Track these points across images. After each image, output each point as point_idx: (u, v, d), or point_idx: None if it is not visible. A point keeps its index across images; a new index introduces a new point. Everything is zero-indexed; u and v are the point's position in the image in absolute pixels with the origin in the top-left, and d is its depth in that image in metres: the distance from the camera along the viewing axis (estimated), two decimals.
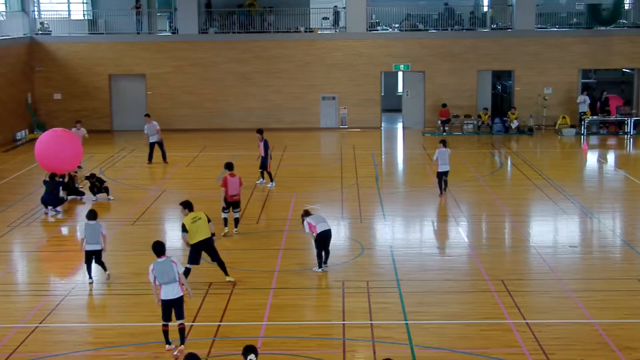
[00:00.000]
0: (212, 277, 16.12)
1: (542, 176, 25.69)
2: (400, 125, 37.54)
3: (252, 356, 9.69)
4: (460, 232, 19.64)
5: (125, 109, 36.66)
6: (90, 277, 16.12)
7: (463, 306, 14.68)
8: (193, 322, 13.85)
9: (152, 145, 28.43)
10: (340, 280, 16.01)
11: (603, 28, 37.09)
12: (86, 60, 36.37)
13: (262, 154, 24.43)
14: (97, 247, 16.12)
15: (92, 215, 16.33)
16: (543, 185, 24.39)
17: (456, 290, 15.54)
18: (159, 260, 12.64)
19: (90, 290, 15.87)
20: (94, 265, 16.22)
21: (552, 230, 20.08)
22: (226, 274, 15.79)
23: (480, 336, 13.28)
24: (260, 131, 24.86)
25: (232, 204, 19.13)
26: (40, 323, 13.97)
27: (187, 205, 15.78)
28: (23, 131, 34.56)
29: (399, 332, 13.43)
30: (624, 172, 26.95)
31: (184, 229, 15.50)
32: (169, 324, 12.66)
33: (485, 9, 40.28)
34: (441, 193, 23.18)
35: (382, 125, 37.00)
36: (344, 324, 13.82)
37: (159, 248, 12.80)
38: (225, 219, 19.38)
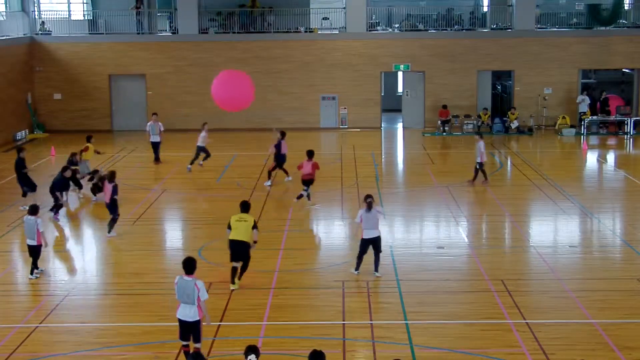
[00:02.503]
0: (212, 277, 16.12)
1: (542, 176, 25.69)
2: (400, 125, 37.55)
3: (252, 356, 9.68)
4: (460, 232, 19.64)
5: (125, 109, 36.66)
6: (37, 268, 16.47)
7: (463, 306, 14.68)
8: None
9: (153, 144, 28.55)
10: (340, 280, 16.01)
11: (603, 28, 37.09)
12: (86, 60, 36.38)
13: (284, 151, 24.99)
14: (31, 243, 16.29)
15: (30, 210, 16.48)
16: (543, 185, 24.39)
17: (456, 290, 15.54)
18: (185, 277, 11.94)
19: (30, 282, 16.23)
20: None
21: (552, 230, 20.08)
22: (236, 278, 15.52)
23: (480, 336, 13.28)
24: (282, 133, 25.38)
25: (305, 182, 21.94)
26: (40, 323, 13.97)
27: (241, 205, 15.70)
28: (23, 131, 34.57)
29: (399, 332, 13.43)
30: (624, 172, 26.95)
31: (228, 226, 15.42)
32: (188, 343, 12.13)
33: (485, 9, 40.28)
34: (472, 180, 24.56)
35: (382, 125, 37.00)
36: (344, 324, 13.82)
37: (188, 265, 12.01)
38: (301, 195, 22.00)
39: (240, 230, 15.30)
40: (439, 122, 35.46)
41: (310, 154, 22.26)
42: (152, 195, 23.79)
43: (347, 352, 12.65)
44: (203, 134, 27.17)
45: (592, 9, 37.24)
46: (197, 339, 12.00)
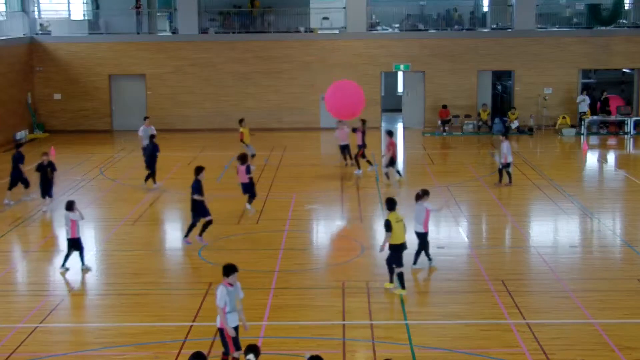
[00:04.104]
0: (212, 277, 16.11)
1: (542, 176, 25.69)
2: (400, 125, 37.54)
3: (250, 356, 9.65)
4: (460, 232, 19.63)
5: (125, 109, 36.66)
6: (69, 263, 16.69)
7: (463, 306, 14.68)
8: (193, 322, 13.86)
9: (145, 150, 27.04)
10: (340, 280, 16.00)
11: (603, 28, 37.09)
12: (86, 60, 36.38)
13: (360, 142, 26.13)
14: (67, 236, 16.53)
15: (67, 205, 16.60)
16: (543, 185, 24.38)
17: (456, 290, 15.53)
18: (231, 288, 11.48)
19: (64, 276, 16.37)
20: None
21: (552, 230, 20.07)
22: (402, 286, 15.29)
23: (480, 336, 13.27)
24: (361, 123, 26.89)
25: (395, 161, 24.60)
26: (40, 323, 13.97)
27: (392, 203, 15.32)
28: (23, 131, 34.56)
29: (399, 332, 13.42)
30: (624, 172, 26.95)
31: (389, 228, 15.00)
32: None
33: (486, 9, 40.29)
34: (499, 182, 24.41)
35: (382, 125, 36.99)
36: (344, 324, 13.82)
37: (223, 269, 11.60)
38: (387, 174, 24.57)
39: (402, 231, 15.19)
40: (439, 122, 35.46)
41: (391, 133, 24.95)
42: (152, 195, 23.79)
43: (347, 352, 12.65)
44: (337, 133, 27.05)
45: (592, 9, 37.24)
46: (223, 347, 11.41)
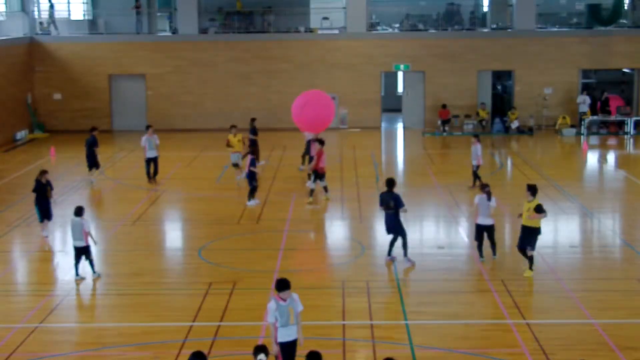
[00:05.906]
0: (212, 277, 16.12)
1: (542, 176, 25.68)
2: (400, 125, 37.55)
3: (261, 355, 9.58)
4: (460, 232, 19.62)
5: (125, 109, 36.67)
6: (77, 274, 16.17)
7: (463, 306, 14.67)
8: (193, 322, 13.85)
9: (148, 161, 25.21)
10: (340, 280, 16.00)
11: (603, 28, 37.09)
12: (86, 60, 36.38)
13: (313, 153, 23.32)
14: (80, 244, 16.11)
15: (76, 211, 16.30)
16: (543, 185, 24.35)
17: (456, 290, 15.53)
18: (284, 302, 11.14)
19: (78, 287, 15.88)
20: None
21: (552, 230, 20.06)
22: (531, 267, 16.12)
23: (480, 336, 13.27)
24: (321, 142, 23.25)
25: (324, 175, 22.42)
26: (40, 323, 13.96)
27: (531, 189, 16.13)
28: (23, 131, 34.56)
29: (399, 332, 13.42)
30: (624, 172, 26.94)
31: (544, 210, 15.82)
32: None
33: (486, 9, 40.29)
34: (473, 185, 23.76)
35: (382, 125, 37.00)
36: (344, 324, 13.81)
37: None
38: (312, 190, 22.55)
39: None
40: (439, 122, 35.47)
41: (322, 142, 22.83)
42: (152, 195, 23.79)
43: (347, 352, 12.65)
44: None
45: (592, 9, 37.24)
46: None
